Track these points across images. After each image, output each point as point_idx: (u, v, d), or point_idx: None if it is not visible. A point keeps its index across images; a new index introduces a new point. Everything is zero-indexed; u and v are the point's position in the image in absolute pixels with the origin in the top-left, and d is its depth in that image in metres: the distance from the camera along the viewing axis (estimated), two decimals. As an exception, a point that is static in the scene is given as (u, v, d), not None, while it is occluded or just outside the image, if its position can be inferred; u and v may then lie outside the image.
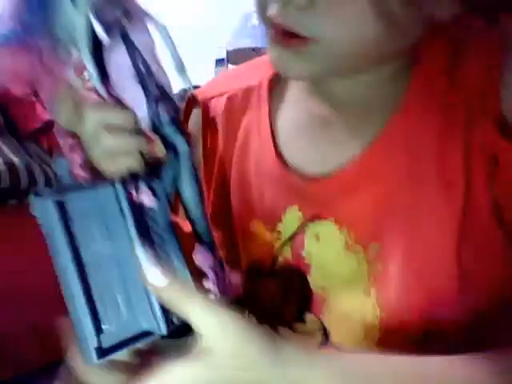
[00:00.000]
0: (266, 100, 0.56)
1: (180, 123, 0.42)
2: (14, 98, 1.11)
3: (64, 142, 1.44)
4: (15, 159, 1.04)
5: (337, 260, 0.50)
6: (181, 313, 0.35)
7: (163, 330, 0.35)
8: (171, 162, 0.41)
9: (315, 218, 0.51)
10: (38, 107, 1.16)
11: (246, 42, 2.39)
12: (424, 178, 0.47)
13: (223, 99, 0.58)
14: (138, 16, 0.37)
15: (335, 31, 0.42)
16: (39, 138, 1.19)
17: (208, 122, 0.61)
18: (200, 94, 0.62)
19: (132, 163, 0.40)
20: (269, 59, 0.46)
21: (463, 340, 0.47)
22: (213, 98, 0.61)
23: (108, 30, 0.35)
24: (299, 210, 0.52)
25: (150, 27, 0.38)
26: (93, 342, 0.33)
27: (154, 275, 0.34)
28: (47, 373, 1.29)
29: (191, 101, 0.62)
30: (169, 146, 0.41)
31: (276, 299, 0.49)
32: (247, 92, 0.59)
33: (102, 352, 0.33)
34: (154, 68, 0.39)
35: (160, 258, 0.36)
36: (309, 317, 0.51)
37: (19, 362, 1.20)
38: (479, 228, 0.46)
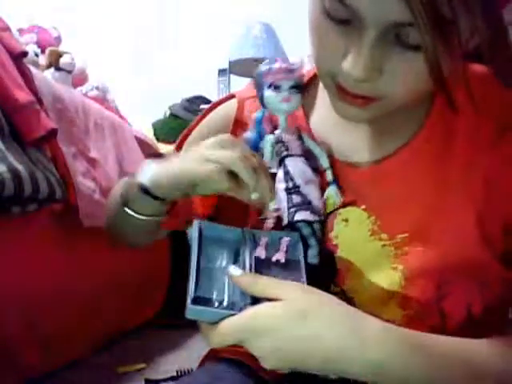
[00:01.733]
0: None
1: (315, 229, 0.55)
2: (19, 106, 1.12)
3: (68, 151, 1.44)
4: (19, 167, 1.04)
5: (362, 243, 0.56)
6: (252, 292, 0.46)
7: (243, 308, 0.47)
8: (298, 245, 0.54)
9: (349, 204, 0.57)
10: (42, 115, 1.17)
11: (248, 53, 2.40)
12: (450, 181, 0.54)
13: (257, 101, 0.60)
14: (296, 152, 0.56)
15: (399, 90, 0.48)
16: (42, 146, 1.20)
17: (240, 119, 0.67)
18: (238, 95, 0.69)
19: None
20: (331, 105, 0.53)
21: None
22: (248, 98, 0.67)
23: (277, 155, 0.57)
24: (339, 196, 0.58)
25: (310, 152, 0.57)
26: (191, 295, 0.47)
27: (233, 271, 0.48)
28: (51, 378, 1.29)
29: (229, 97, 0.70)
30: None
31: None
32: None
33: (195, 300, 0.47)
34: (300, 183, 0.54)
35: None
36: (333, 288, 0.57)
37: (21, 368, 1.20)
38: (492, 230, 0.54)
